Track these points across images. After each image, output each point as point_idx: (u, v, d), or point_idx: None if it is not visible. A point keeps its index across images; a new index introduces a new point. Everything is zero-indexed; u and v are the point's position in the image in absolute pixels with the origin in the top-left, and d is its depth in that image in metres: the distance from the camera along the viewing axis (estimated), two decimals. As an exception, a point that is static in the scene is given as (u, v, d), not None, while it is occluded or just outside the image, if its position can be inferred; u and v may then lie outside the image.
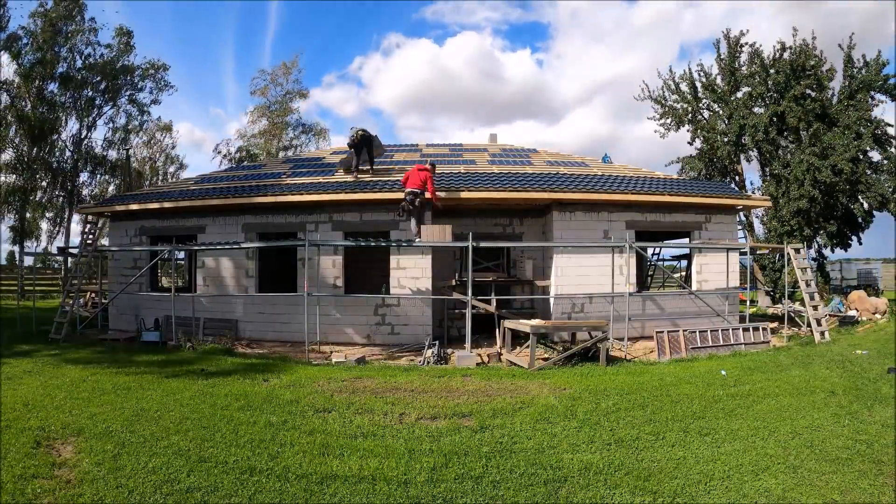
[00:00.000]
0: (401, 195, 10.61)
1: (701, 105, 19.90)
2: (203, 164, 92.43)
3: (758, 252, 15.32)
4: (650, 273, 15.85)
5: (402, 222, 10.91)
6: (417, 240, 9.73)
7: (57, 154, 27.91)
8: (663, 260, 16.20)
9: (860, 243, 17.86)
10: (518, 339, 9.89)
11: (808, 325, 10.89)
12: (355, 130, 11.17)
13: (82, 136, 28.87)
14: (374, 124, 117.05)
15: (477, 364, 8.55)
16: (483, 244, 9.76)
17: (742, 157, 19.27)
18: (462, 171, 12.40)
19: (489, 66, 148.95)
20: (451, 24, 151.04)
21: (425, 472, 4.04)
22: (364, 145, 11.36)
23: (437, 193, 9.90)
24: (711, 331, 9.62)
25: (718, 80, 19.19)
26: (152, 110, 31.37)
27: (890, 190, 16.09)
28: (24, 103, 25.70)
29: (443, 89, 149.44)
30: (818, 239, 18.00)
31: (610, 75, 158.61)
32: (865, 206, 16.93)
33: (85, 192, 30.10)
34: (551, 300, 10.89)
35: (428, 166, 9.88)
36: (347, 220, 11.01)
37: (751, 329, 9.87)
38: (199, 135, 73.30)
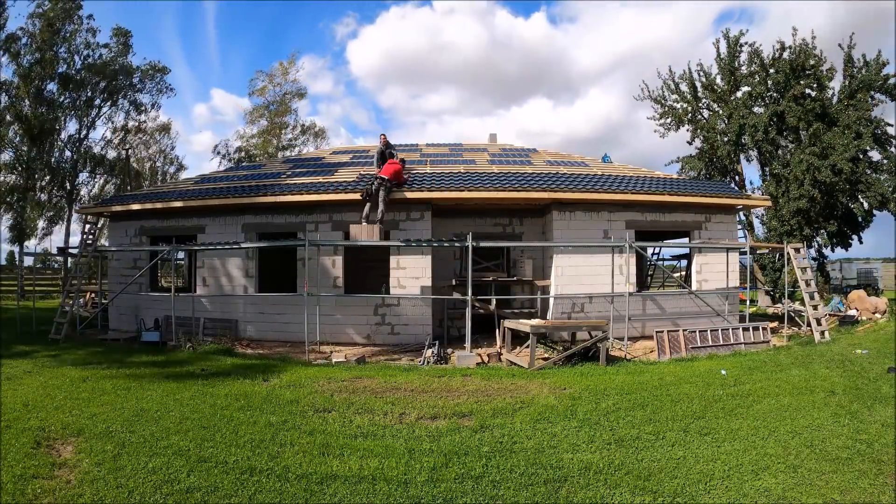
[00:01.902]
0: (401, 195, 10.65)
1: (701, 105, 19.90)
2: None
3: (758, 252, 15.31)
4: (650, 273, 15.85)
5: (403, 223, 10.95)
6: (364, 223, 10.26)
7: (56, 154, 27.94)
8: (663, 260, 16.20)
9: (860, 242, 17.88)
10: (518, 338, 9.88)
11: (808, 324, 10.89)
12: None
13: (81, 136, 28.91)
14: (354, 102, 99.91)
15: (477, 364, 8.55)
16: (483, 244, 9.76)
17: (742, 156, 19.28)
18: (462, 170, 12.40)
19: (493, 33, 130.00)
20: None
21: (425, 472, 4.04)
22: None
23: (400, 179, 10.69)
24: (711, 330, 9.61)
25: (718, 80, 19.19)
26: (152, 114, 31.37)
27: (890, 189, 16.08)
28: (23, 103, 25.70)
29: (436, 60, 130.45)
30: (818, 238, 18.00)
31: (635, 43, 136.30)
32: (865, 205, 16.93)
33: (84, 191, 30.17)
34: (551, 300, 10.89)
35: (399, 162, 10.90)
36: (347, 219, 11.00)
37: (751, 329, 9.86)
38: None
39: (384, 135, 12.41)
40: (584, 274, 10.76)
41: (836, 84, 17.14)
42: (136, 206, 12.01)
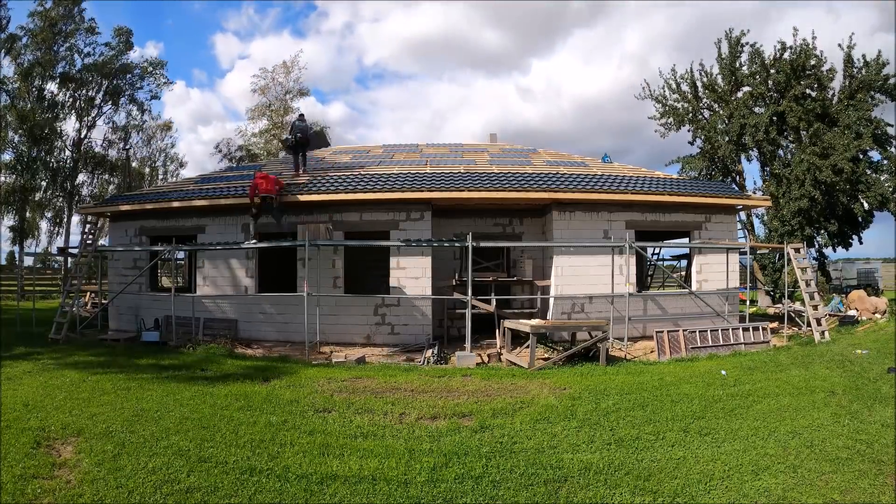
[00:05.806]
0: (401, 195, 10.64)
1: (701, 105, 19.88)
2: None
3: (758, 252, 15.28)
4: (650, 273, 15.84)
5: (403, 223, 10.95)
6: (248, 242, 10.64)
7: (56, 154, 27.93)
8: (663, 260, 16.20)
9: (861, 242, 17.85)
10: (518, 339, 9.88)
11: (808, 324, 10.88)
12: (293, 135, 12.06)
13: (82, 136, 28.90)
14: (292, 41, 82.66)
15: (477, 364, 8.55)
16: (483, 244, 9.76)
17: (743, 156, 19.26)
18: (462, 170, 12.40)
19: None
20: None
21: (425, 472, 4.04)
22: (301, 148, 12.14)
23: (280, 185, 10.72)
24: (711, 330, 9.61)
25: (719, 80, 19.17)
26: (152, 105, 31.51)
27: (890, 190, 16.08)
28: (23, 103, 25.68)
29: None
30: (819, 238, 17.98)
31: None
32: (866, 205, 16.91)
33: (85, 191, 30.15)
34: (551, 300, 10.88)
35: (270, 175, 10.62)
36: (347, 219, 11.00)
37: (751, 329, 9.86)
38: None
39: (303, 114, 13.11)
40: (585, 274, 10.75)
41: (836, 84, 17.16)
42: (136, 206, 12.00)
